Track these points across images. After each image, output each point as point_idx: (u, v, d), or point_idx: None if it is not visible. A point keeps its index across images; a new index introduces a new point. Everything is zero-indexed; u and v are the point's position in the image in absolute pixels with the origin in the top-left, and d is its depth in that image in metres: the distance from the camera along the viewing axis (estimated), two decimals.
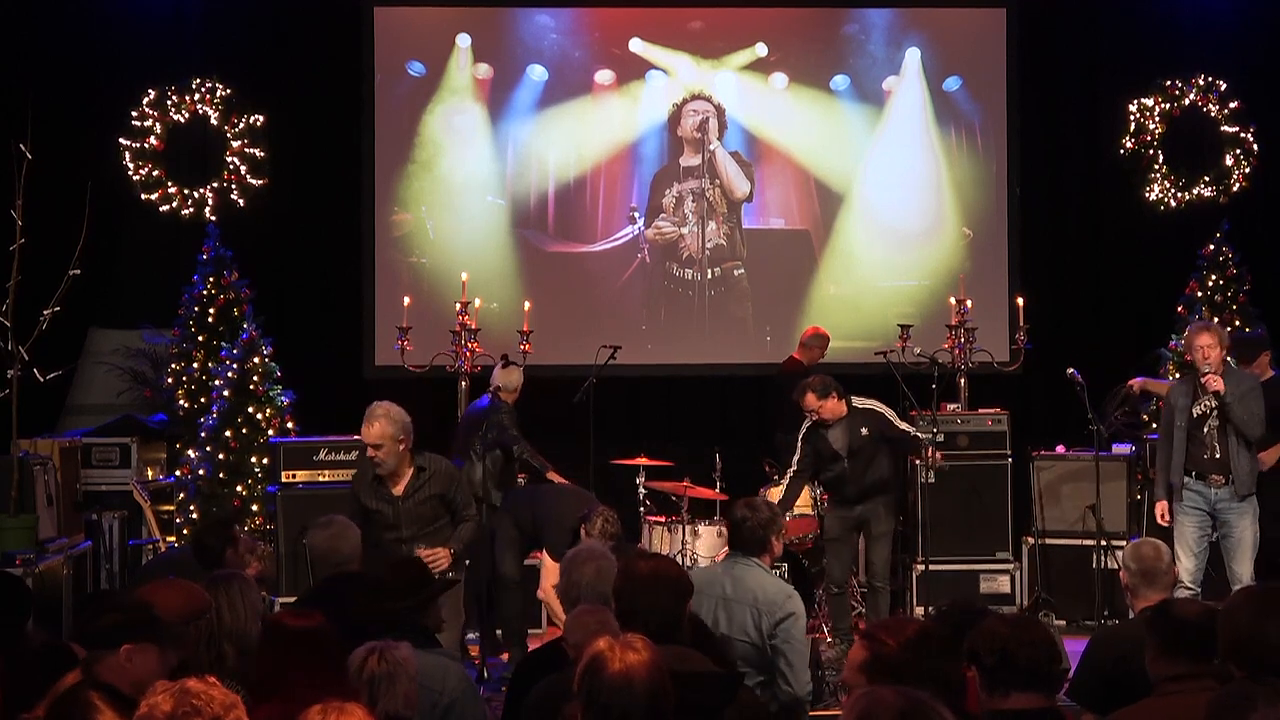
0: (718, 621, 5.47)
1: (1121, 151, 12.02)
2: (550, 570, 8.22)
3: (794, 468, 9.04)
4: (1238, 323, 11.09)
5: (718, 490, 9.86)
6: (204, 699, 3.22)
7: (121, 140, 11.53)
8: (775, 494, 9.59)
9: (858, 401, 8.98)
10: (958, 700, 3.71)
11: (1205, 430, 8.20)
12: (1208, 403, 8.18)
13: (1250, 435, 8.22)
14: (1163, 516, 8.33)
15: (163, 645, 4.25)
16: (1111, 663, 4.84)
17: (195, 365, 11.01)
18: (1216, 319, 11.08)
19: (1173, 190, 11.93)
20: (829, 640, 9.02)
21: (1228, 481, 8.15)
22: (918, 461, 9.37)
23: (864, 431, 8.86)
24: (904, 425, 9.03)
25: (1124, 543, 9.00)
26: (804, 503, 9.56)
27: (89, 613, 4.31)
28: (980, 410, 10.33)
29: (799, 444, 9.01)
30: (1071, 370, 9.42)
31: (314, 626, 4.28)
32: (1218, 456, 8.16)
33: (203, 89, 11.62)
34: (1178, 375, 10.04)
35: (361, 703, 3.79)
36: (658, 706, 3.40)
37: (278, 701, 3.96)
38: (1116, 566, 8.46)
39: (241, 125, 11.66)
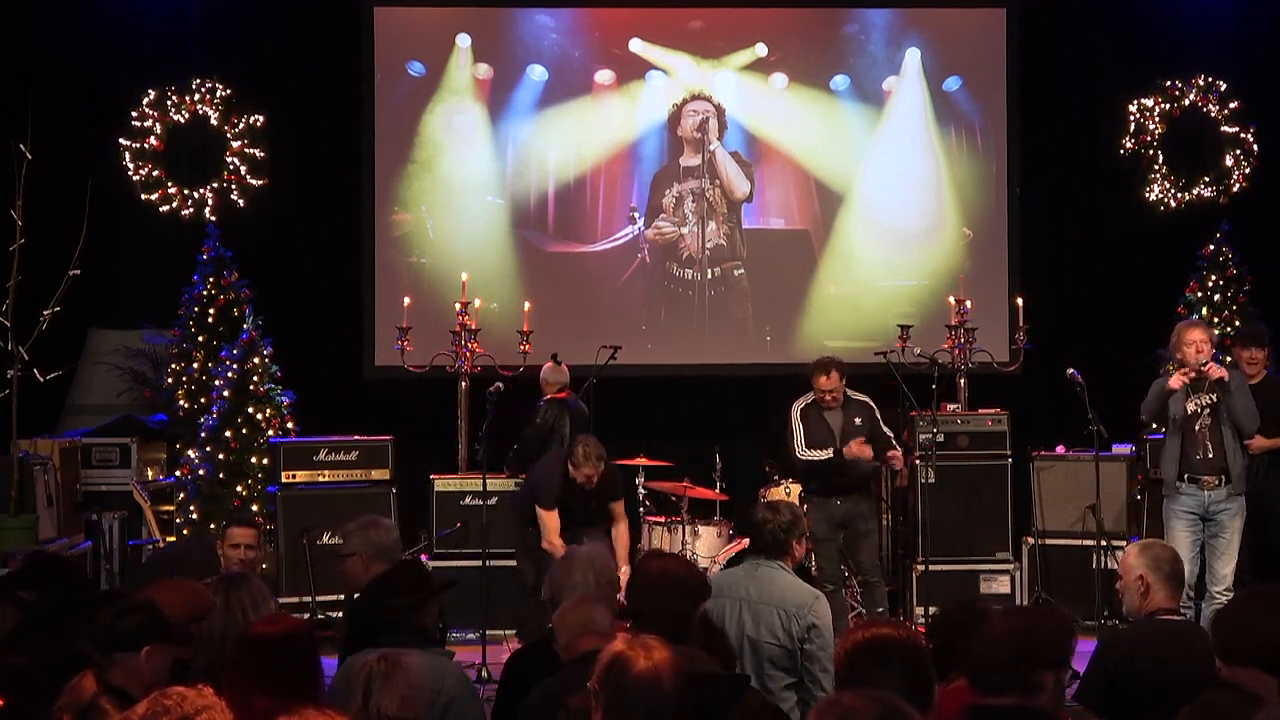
0: (743, 624, 5.48)
1: (1121, 151, 12.02)
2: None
3: (803, 446, 9.01)
4: (1238, 323, 11.09)
5: (718, 490, 9.87)
6: (175, 699, 3.24)
7: (121, 140, 11.53)
8: (775, 494, 9.60)
9: (850, 393, 9.10)
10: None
11: (1198, 429, 8.23)
12: (1199, 401, 8.21)
13: (1247, 428, 8.26)
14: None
15: (171, 645, 4.26)
16: (1114, 664, 4.81)
17: (195, 365, 11.01)
18: (1216, 319, 11.09)
19: (1173, 190, 11.93)
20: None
21: (1221, 483, 8.17)
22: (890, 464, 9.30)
23: (857, 421, 8.93)
24: (888, 431, 9.13)
25: (1124, 543, 9.00)
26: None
27: (107, 614, 4.30)
28: (980, 410, 10.33)
29: (797, 424, 9.05)
30: (1071, 370, 9.41)
31: (286, 631, 4.30)
32: (1210, 456, 8.19)
33: (203, 89, 11.62)
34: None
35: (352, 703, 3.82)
36: (682, 705, 3.39)
37: (248, 706, 3.93)
38: (1116, 567, 8.45)
39: (241, 125, 11.65)
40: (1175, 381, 8.27)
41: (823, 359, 9.17)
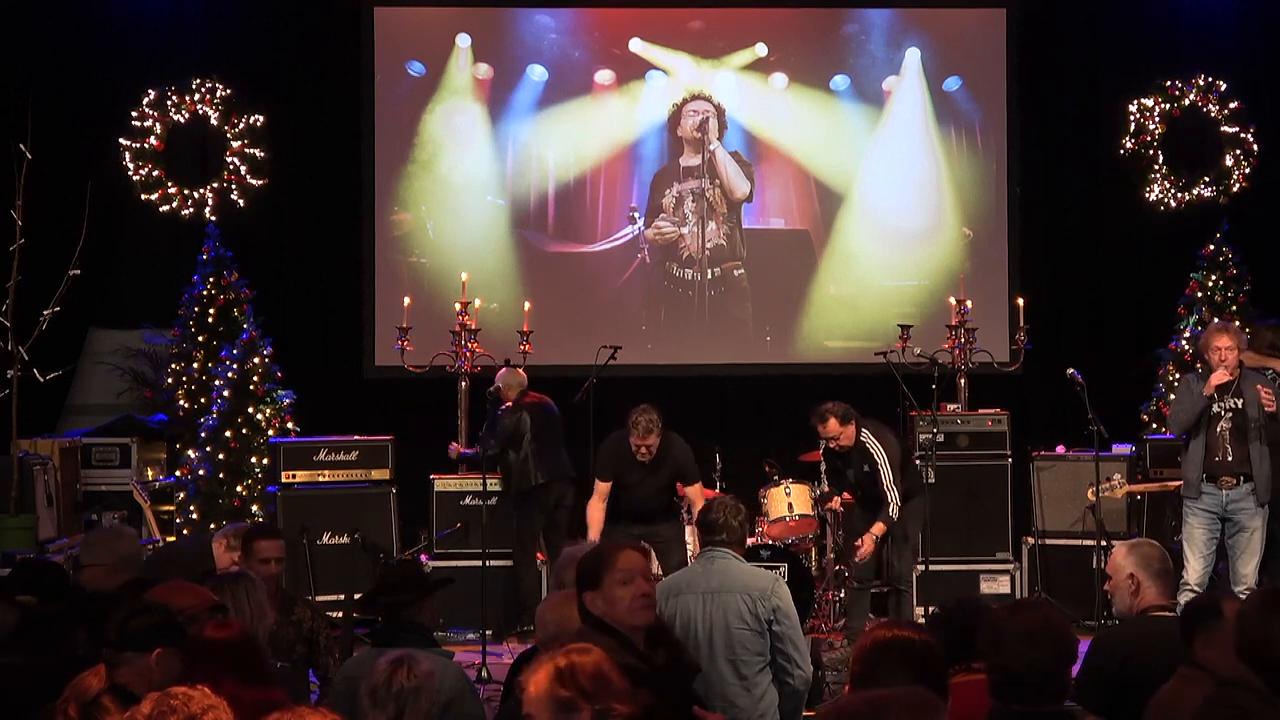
0: (710, 616, 5.52)
1: (1121, 151, 12.01)
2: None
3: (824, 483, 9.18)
4: (1237, 323, 11.07)
5: (717, 490, 9.86)
6: (181, 699, 3.26)
7: (121, 140, 11.53)
8: (775, 494, 9.60)
9: (865, 436, 8.79)
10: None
11: (1218, 431, 8.12)
12: (1224, 405, 8.11)
13: None
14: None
15: (181, 650, 4.27)
16: (1118, 664, 4.80)
17: (195, 365, 11.02)
18: (1216, 319, 11.08)
19: (1173, 190, 11.92)
20: (829, 641, 9.02)
21: (1239, 483, 8.07)
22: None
23: (866, 468, 8.84)
24: (888, 486, 8.74)
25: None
26: (804, 503, 9.56)
27: (120, 613, 4.32)
28: (980, 410, 10.31)
29: (822, 456, 9.12)
30: (1071, 370, 9.40)
31: (236, 637, 4.32)
32: (1229, 459, 8.09)
33: (203, 89, 11.62)
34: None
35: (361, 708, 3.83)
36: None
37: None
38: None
39: (241, 125, 11.66)
40: (1215, 381, 8.09)
41: (819, 409, 8.86)
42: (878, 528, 8.73)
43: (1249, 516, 8.08)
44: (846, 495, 9.10)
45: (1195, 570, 7.98)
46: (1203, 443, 8.14)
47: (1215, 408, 8.13)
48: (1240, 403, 8.08)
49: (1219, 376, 8.06)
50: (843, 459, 8.93)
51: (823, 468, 9.29)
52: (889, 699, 2.96)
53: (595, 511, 9.03)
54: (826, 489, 9.33)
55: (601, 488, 9.06)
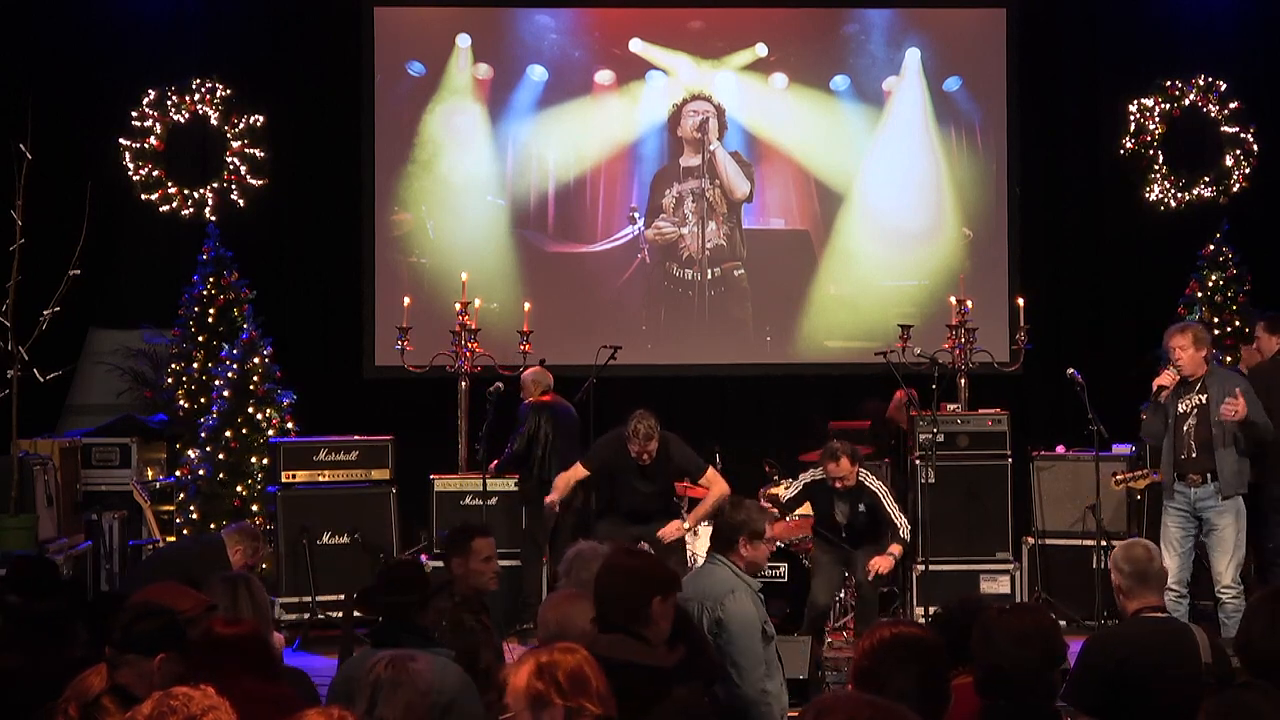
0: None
1: (1121, 151, 12.02)
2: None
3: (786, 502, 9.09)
4: (1238, 323, 11.09)
5: None
6: (182, 699, 3.26)
7: (121, 140, 11.54)
8: (774, 494, 9.59)
9: (863, 475, 8.72)
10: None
11: (1184, 430, 8.12)
12: (1189, 402, 8.13)
13: (1266, 437, 8.11)
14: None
15: (184, 655, 4.28)
16: (1115, 664, 4.81)
17: (195, 365, 11.02)
18: (1216, 319, 11.09)
19: (1173, 190, 11.93)
20: (828, 640, 9.01)
21: (1205, 480, 8.07)
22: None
23: (861, 508, 8.75)
24: (895, 513, 8.70)
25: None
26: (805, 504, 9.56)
27: (126, 614, 4.32)
28: (980, 410, 10.29)
29: (800, 487, 8.95)
30: (1071, 370, 9.39)
31: (247, 633, 4.33)
32: (1195, 456, 8.08)
33: (203, 89, 11.63)
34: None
35: (354, 706, 3.83)
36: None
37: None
38: None
39: (241, 125, 11.66)
40: (1162, 380, 8.14)
41: (830, 447, 8.72)
42: (895, 549, 8.59)
43: (1217, 514, 8.06)
44: (795, 523, 9.07)
45: (1172, 569, 7.95)
46: (1171, 442, 8.15)
47: (1180, 406, 8.14)
48: (1204, 399, 8.08)
49: (1161, 379, 8.09)
50: (840, 496, 8.71)
51: (790, 488, 9.04)
52: (872, 705, 2.98)
53: (565, 479, 8.96)
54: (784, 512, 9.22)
55: (580, 472, 8.96)
